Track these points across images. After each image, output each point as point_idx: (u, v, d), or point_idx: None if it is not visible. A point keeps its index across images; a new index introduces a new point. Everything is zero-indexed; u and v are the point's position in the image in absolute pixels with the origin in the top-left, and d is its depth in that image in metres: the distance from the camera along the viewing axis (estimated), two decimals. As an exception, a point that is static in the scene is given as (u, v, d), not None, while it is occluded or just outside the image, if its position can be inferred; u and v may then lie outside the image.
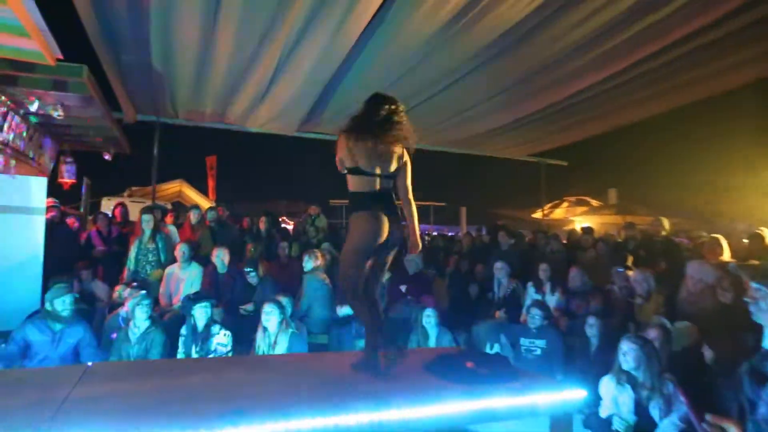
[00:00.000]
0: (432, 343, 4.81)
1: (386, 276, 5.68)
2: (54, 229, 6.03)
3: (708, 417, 2.61)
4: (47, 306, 4.20)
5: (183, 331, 4.39)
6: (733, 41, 5.63)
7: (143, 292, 4.59)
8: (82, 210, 9.58)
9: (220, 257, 5.62)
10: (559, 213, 14.84)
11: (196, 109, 7.54)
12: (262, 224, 7.33)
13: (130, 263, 5.77)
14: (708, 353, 3.77)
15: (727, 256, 4.87)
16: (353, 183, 2.78)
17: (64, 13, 4.39)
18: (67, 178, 8.16)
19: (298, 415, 2.11)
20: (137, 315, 4.29)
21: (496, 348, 5.02)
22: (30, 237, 5.41)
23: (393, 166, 2.79)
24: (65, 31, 4.49)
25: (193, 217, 6.89)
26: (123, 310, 4.63)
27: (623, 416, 3.28)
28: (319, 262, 5.68)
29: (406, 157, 2.87)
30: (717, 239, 4.97)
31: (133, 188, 13.78)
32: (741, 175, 11.62)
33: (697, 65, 6.28)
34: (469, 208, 16.30)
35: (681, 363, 3.68)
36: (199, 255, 6.06)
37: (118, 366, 3.59)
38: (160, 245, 5.86)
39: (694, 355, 3.79)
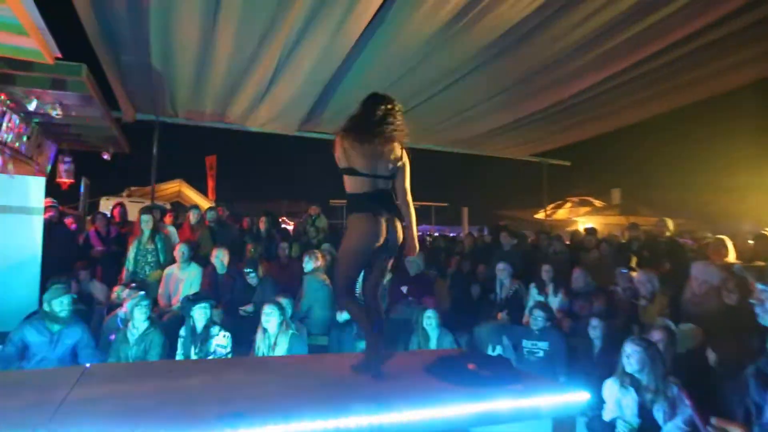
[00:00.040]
0: (433, 344, 4.79)
1: (387, 277, 5.67)
2: (52, 230, 6.01)
3: (713, 421, 2.58)
4: (45, 307, 4.18)
5: (182, 332, 4.38)
6: (735, 41, 5.61)
7: (142, 292, 4.56)
8: (80, 210, 9.56)
9: (220, 258, 5.61)
10: (561, 213, 14.73)
11: (196, 109, 7.52)
12: (262, 224, 7.31)
13: (129, 264, 5.75)
14: (711, 356, 3.74)
15: (732, 257, 4.84)
16: (349, 184, 2.77)
17: (62, 12, 4.37)
18: (65, 178, 8.13)
19: (298, 417, 2.10)
20: (136, 316, 4.27)
21: (498, 350, 5.01)
22: (28, 237, 5.39)
23: (390, 167, 2.77)
24: (64, 30, 4.47)
25: (193, 217, 6.88)
26: (121, 311, 4.61)
27: (627, 419, 3.25)
28: (320, 262, 5.66)
29: (405, 159, 2.85)
30: (722, 240, 4.94)
31: (132, 188, 13.75)
32: (744, 174, 11.54)
33: (699, 65, 6.26)
34: (471, 208, 16.29)
35: (685, 365, 3.65)
36: (198, 255, 6.04)
37: (117, 367, 3.59)
38: (159, 246, 5.85)
39: (698, 358, 3.77)
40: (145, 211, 5.98)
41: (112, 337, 4.46)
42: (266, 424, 2.05)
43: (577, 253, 7.14)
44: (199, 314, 4.31)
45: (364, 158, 2.70)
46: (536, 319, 4.74)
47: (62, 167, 8.02)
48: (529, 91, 6.93)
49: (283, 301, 4.53)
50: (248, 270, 5.64)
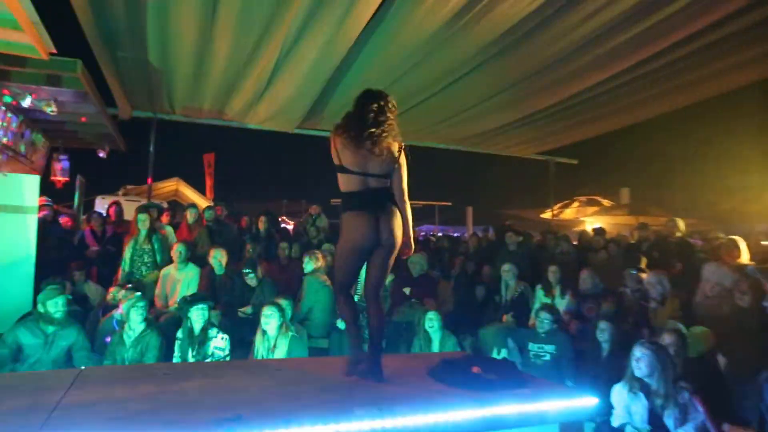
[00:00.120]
0: (435, 347, 4.74)
1: (389, 278, 5.61)
2: (46, 229, 5.97)
3: (726, 427, 2.52)
4: (39, 308, 4.15)
5: (179, 334, 4.33)
6: (742, 39, 5.59)
7: (138, 293, 4.54)
8: (75, 209, 9.50)
9: (218, 258, 5.55)
10: (569, 213, 14.63)
11: (194, 105, 7.48)
12: (262, 224, 7.26)
13: (125, 264, 5.70)
14: (721, 360, 3.68)
15: (745, 258, 4.79)
16: (342, 182, 2.78)
17: (57, 6, 4.32)
18: (60, 176, 8.11)
19: (298, 422, 2.08)
20: (132, 317, 4.24)
21: (504, 353, 4.94)
22: (22, 236, 5.34)
23: (383, 166, 2.75)
24: (58, 24, 4.40)
25: (190, 216, 6.85)
26: (117, 313, 4.58)
27: (636, 425, 3.21)
28: (320, 263, 5.61)
29: (402, 158, 2.83)
30: (735, 241, 4.89)
31: (128, 186, 13.70)
32: (757, 174, 11.44)
33: (701, 65, 6.26)
34: (475, 207, 16.31)
35: (697, 370, 3.60)
36: (196, 255, 5.99)
37: (113, 370, 3.55)
38: (155, 245, 5.80)
39: (710, 362, 3.71)
40: (141, 210, 5.93)
41: (108, 339, 4.42)
42: (265, 428, 2.04)
43: (584, 253, 7.09)
44: (197, 316, 4.26)
45: (355, 156, 2.71)
46: (542, 322, 4.69)
47: (57, 165, 7.97)
48: (532, 89, 6.91)
49: (283, 302, 4.49)
50: (247, 270, 5.57)
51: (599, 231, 7.71)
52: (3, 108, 5.33)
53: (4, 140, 5.52)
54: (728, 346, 3.66)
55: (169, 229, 6.51)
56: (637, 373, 3.25)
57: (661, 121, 9.02)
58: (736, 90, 7.31)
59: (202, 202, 13.19)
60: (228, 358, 4.24)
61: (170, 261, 5.63)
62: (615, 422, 3.31)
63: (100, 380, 2.71)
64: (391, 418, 2.20)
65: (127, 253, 5.71)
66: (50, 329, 4.09)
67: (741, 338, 3.71)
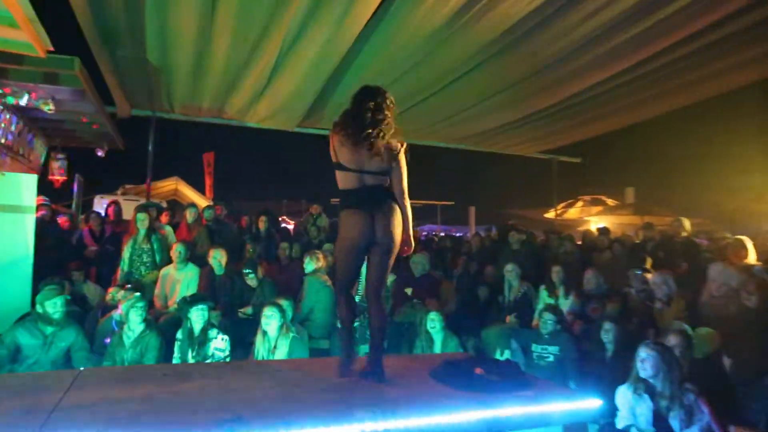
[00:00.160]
0: (437, 348, 4.72)
1: (391, 278, 5.58)
2: (44, 229, 5.95)
3: (732, 429, 2.48)
4: (38, 308, 4.15)
5: (179, 335, 4.33)
6: (742, 39, 5.58)
7: (137, 294, 4.52)
8: (73, 208, 9.51)
9: (218, 258, 5.53)
10: (573, 213, 14.57)
11: (193, 104, 7.45)
12: (262, 224, 7.23)
13: (124, 264, 5.66)
14: (727, 361, 3.64)
15: (752, 258, 4.76)
16: (339, 180, 2.80)
17: (54, 3, 4.29)
18: (58, 175, 8.08)
19: (299, 423, 2.08)
20: (131, 318, 4.24)
21: (507, 354, 4.91)
22: (19, 236, 5.33)
23: (381, 164, 2.75)
24: (56, 22, 4.37)
25: (190, 216, 6.83)
26: (116, 313, 4.56)
27: (641, 427, 3.18)
28: (321, 263, 5.60)
29: (401, 155, 2.82)
30: (741, 240, 4.86)
31: (127, 186, 13.68)
32: (763, 173, 11.35)
33: (702, 65, 6.25)
34: (477, 207, 16.24)
35: (703, 371, 3.58)
36: (195, 255, 5.96)
37: (112, 371, 3.56)
38: (155, 245, 5.76)
39: (716, 363, 3.68)
40: (140, 209, 5.89)
41: (107, 340, 4.41)
42: (266, 430, 2.04)
43: (589, 253, 7.05)
44: (197, 316, 4.26)
45: (352, 154, 2.72)
46: (546, 323, 4.66)
47: (55, 164, 7.94)
48: (532, 89, 6.90)
49: (284, 303, 4.48)
50: (247, 271, 5.55)
51: (604, 231, 7.68)
52: (1, 107, 5.29)
53: (3, 140, 5.48)
54: (734, 347, 3.63)
55: (169, 229, 6.48)
56: (642, 375, 3.22)
57: (662, 120, 8.98)
58: (737, 90, 7.28)
59: (202, 202, 13.15)
60: (228, 359, 4.23)
61: (169, 261, 5.61)
62: (619, 424, 3.28)
63: (100, 381, 2.72)
64: (393, 419, 2.19)
65: (126, 253, 5.67)
66: (49, 330, 4.09)
67: (747, 339, 3.68)
